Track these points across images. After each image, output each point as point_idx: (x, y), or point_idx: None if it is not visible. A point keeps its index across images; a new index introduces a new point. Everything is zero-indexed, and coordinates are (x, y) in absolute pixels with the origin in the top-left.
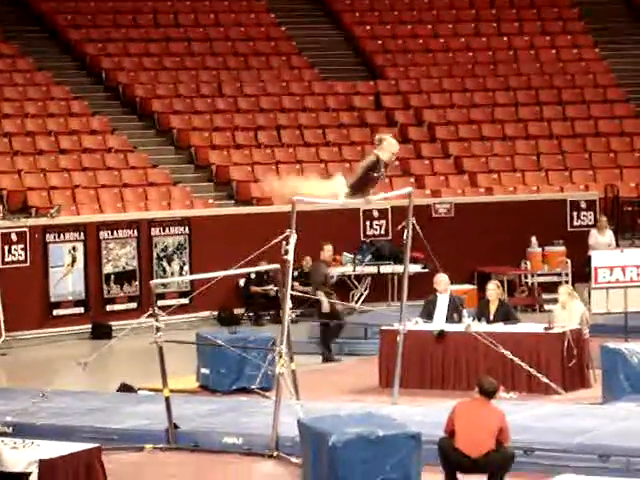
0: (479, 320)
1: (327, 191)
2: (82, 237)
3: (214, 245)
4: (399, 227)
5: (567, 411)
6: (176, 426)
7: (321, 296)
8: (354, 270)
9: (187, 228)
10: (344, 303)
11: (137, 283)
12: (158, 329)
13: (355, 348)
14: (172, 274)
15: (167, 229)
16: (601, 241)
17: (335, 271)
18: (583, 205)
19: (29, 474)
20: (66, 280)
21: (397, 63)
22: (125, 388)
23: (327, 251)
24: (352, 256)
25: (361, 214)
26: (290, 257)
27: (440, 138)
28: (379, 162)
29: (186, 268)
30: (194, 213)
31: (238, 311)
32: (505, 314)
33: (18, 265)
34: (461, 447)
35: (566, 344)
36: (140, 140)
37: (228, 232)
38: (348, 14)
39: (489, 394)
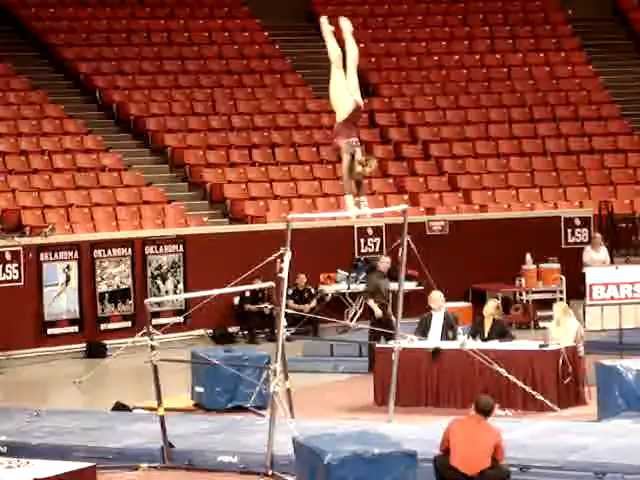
0: (474, 337)
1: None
2: (76, 256)
3: (208, 263)
4: (394, 245)
5: (562, 428)
6: (171, 445)
7: (372, 304)
8: (349, 288)
9: (181, 246)
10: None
11: (131, 302)
12: (153, 348)
13: (350, 366)
14: (166, 292)
15: (161, 247)
16: (596, 258)
17: (329, 289)
18: (577, 222)
19: None
20: (60, 299)
21: (391, 81)
22: (120, 407)
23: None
24: (346, 274)
25: (355, 231)
26: (285, 275)
27: (434, 155)
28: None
29: (180, 286)
30: (188, 231)
31: (233, 329)
32: (500, 331)
33: (12, 284)
34: (457, 465)
35: (561, 361)
36: (134, 159)
37: (222, 250)
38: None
39: (485, 413)
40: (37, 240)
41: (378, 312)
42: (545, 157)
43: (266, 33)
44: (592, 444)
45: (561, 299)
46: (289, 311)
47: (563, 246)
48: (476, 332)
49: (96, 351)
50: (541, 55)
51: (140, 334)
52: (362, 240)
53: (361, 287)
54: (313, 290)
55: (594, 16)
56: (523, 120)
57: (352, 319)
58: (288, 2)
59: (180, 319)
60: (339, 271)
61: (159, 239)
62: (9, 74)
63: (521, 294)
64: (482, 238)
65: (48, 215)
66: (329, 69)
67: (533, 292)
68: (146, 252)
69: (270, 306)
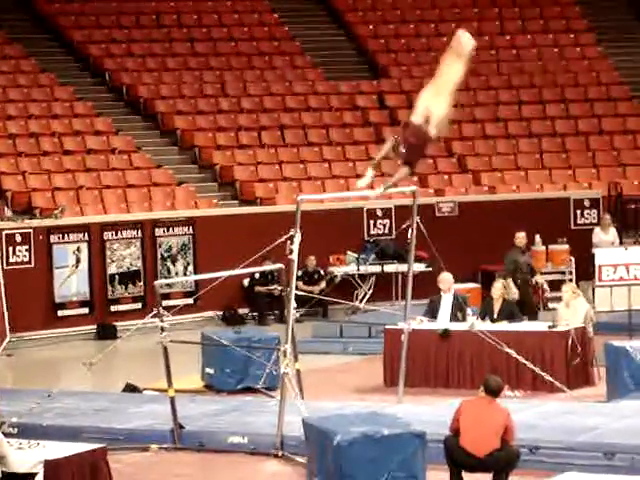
0: (483, 319)
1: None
2: (86, 238)
3: (218, 245)
4: (403, 226)
5: (571, 409)
6: (181, 426)
7: (510, 284)
8: (358, 269)
9: (191, 228)
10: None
11: (142, 283)
12: (163, 329)
13: (360, 347)
14: (176, 274)
15: (171, 229)
16: (605, 239)
17: (338, 270)
18: (587, 203)
19: (35, 475)
20: (71, 281)
21: (400, 62)
22: (130, 388)
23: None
24: (356, 255)
25: (365, 213)
26: (294, 257)
27: (443, 137)
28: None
29: (190, 268)
30: (198, 213)
31: (243, 311)
32: (509, 312)
33: (23, 266)
34: (466, 446)
35: (570, 342)
36: (144, 141)
37: (232, 232)
38: (351, 13)
39: (494, 393)
40: (47, 222)
41: (514, 293)
42: (554, 138)
43: (276, 15)
44: (601, 425)
45: (570, 280)
46: (299, 293)
47: (572, 227)
48: (485, 313)
49: (106, 333)
50: (550, 36)
51: (150, 316)
52: (371, 222)
53: (371, 269)
54: (323, 272)
55: None
56: (532, 101)
57: (361, 300)
58: None
59: (190, 301)
60: (349, 253)
61: (169, 221)
62: (19, 56)
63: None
64: (491, 219)
65: (58, 197)
66: (338, 51)
67: (542, 273)
68: (156, 234)
69: (280, 288)
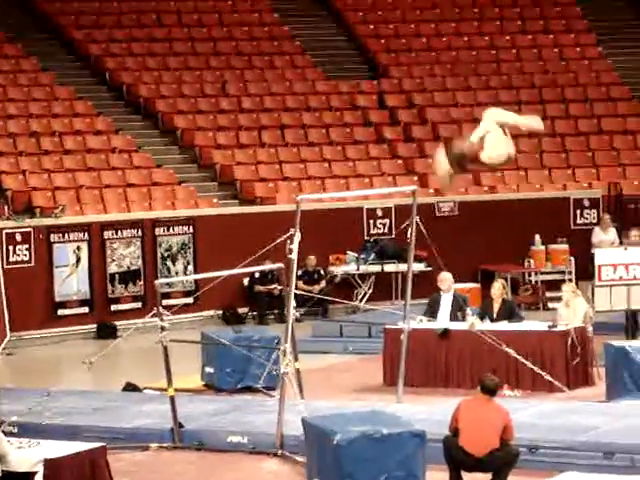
0: (483, 318)
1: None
2: (86, 237)
3: (218, 244)
4: (403, 226)
5: (571, 409)
6: (181, 425)
7: None
8: (358, 269)
9: (191, 227)
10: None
11: (142, 283)
12: (163, 328)
13: (359, 347)
14: (176, 274)
15: (171, 229)
16: (604, 239)
17: (338, 270)
18: (586, 203)
19: (35, 474)
20: (71, 280)
21: (401, 62)
22: (130, 387)
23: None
24: (356, 255)
25: (365, 213)
26: (294, 256)
27: (444, 136)
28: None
29: (190, 267)
30: (198, 213)
31: (242, 310)
32: (509, 312)
33: (23, 265)
34: (465, 445)
35: (570, 342)
36: (144, 140)
37: (232, 231)
38: (351, 13)
39: (491, 392)
40: (47, 221)
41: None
42: (554, 138)
43: (276, 15)
44: (601, 424)
45: (570, 280)
46: (298, 292)
47: (572, 227)
48: (485, 313)
49: (106, 332)
50: (550, 36)
51: (150, 315)
52: (371, 221)
53: (370, 268)
54: (322, 271)
55: None
56: (532, 101)
57: (361, 300)
58: None
59: (190, 300)
60: (348, 252)
61: (169, 220)
62: (19, 55)
63: (530, 275)
64: (491, 219)
65: (58, 196)
66: (338, 50)
67: (542, 273)
68: (156, 233)
69: (280, 287)
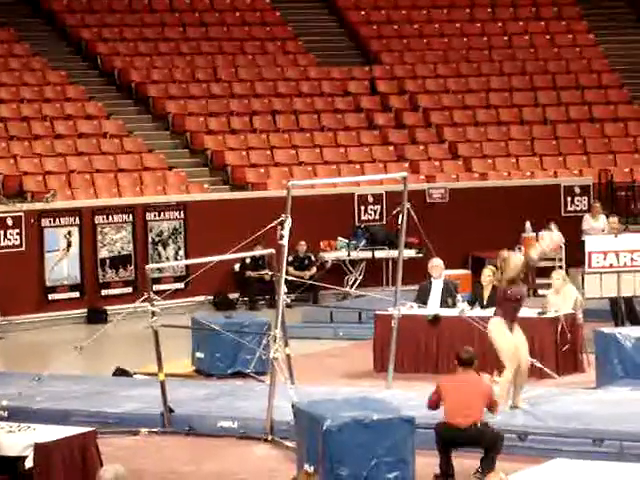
0: (473, 305)
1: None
2: (77, 222)
3: (209, 230)
4: (394, 212)
5: (561, 395)
6: (171, 410)
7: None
8: (349, 255)
9: (182, 213)
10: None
11: (132, 268)
12: (153, 313)
13: (350, 332)
14: (167, 259)
15: (162, 214)
16: (595, 226)
17: (329, 256)
18: (577, 190)
19: (25, 458)
20: (61, 265)
21: (392, 48)
22: (120, 372)
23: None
24: (347, 241)
25: (356, 199)
26: (285, 242)
27: (435, 123)
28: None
29: (181, 253)
30: (189, 198)
31: (233, 296)
32: None
33: (14, 250)
34: (451, 419)
35: (560, 329)
36: (135, 125)
37: (223, 217)
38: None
39: (467, 363)
40: (38, 206)
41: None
42: (545, 125)
43: (268, 0)
44: (590, 411)
45: (560, 267)
46: (289, 278)
47: (562, 214)
48: (475, 299)
49: (97, 317)
50: (542, 23)
51: (141, 300)
52: (362, 207)
53: (361, 254)
54: (313, 257)
55: None
56: (524, 88)
57: (352, 286)
58: None
59: (181, 285)
60: (339, 238)
61: (160, 205)
62: (11, 40)
63: None
64: (482, 206)
65: (49, 181)
66: (330, 36)
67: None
68: (147, 218)
69: (270, 273)
